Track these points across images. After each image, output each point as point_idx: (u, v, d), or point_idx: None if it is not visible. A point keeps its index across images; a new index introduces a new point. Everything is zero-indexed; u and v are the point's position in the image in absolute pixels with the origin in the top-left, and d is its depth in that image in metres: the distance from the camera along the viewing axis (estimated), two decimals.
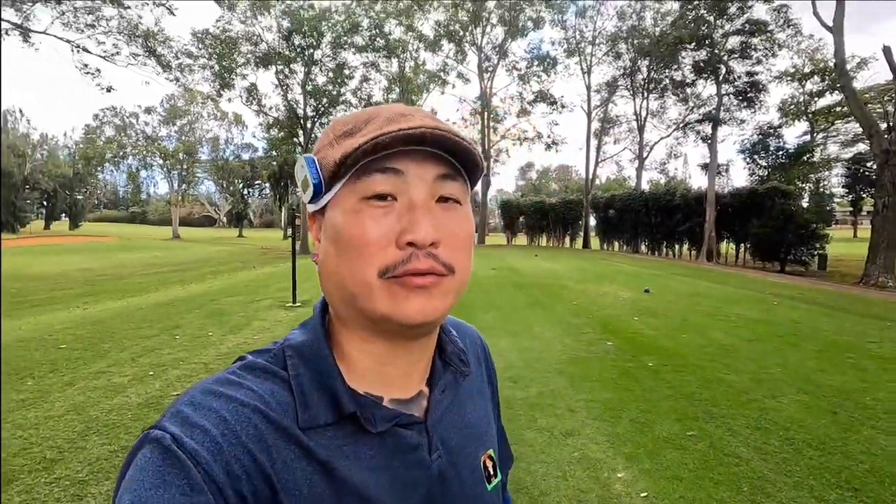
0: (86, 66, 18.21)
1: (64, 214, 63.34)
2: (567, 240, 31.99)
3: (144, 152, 45.51)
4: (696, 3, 22.16)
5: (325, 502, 0.41)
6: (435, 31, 32.33)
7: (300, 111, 28.90)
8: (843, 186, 35.91)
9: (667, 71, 25.51)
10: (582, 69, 31.22)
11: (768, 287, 10.85)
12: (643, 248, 26.43)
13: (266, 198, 64.77)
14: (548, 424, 3.28)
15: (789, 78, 27.33)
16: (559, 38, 31.70)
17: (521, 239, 35.10)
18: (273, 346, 0.49)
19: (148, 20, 17.79)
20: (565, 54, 31.82)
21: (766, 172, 28.56)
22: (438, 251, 0.44)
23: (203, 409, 0.40)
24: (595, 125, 31.44)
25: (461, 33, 32.52)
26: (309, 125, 28.77)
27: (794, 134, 28.92)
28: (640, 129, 29.02)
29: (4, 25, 16.50)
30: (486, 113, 34.12)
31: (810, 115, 29.10)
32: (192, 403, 0.40)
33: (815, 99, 28.47)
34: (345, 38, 29.26)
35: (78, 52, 18.03)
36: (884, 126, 14.89)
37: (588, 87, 30.94)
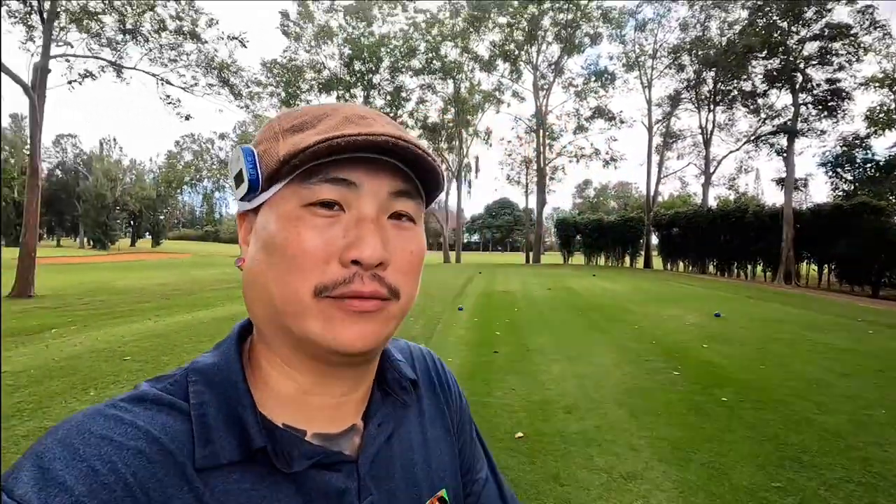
0: (168, 96, 19.85)
1: (147, 233, 69.01)
2: (627, 259, 30.66)
3: (218, 175, 48.85)
4: (766, 9, 20.92)
5: None
6: (490, 52, 32.64)
7: None
8: None
9: (735, 81, 24.11)
10: (642, 83, 30.32)
11: (860, 313, 9.71)
12: (711, 268, 24.77)
13: None
14: (606, 464, 2.97)
15: (877, 84, 25.00)
16: (618, 53, 30.94)
17: (579, 258, 34.09)
18: (176, 371, 0.43)
19: (222, 52, 19.04)
20: (624, 69, 31.08)
21: (853, 187, 26.08)
22: (385, 273, 0.39)
23: (70, 456, 0.32)
24: (657, 140, 30.25)
25: (516, 52, 32.61)
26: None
27: (884, 144, 26.25)
28: (707, 143, 27.52)
29: (101, 63, 18.33)
30: (541, 130, 33.78)
31: None
32: (62, 444, 0.33)
33: None
34: (402, 61, 30.21)
35: (162, 84, 19.72)
36: None
37: (649, 102, 29.93)
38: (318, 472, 0.40)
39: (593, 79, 32.19)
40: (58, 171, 61.97)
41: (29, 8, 15.60)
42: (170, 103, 20.39)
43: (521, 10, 30.24)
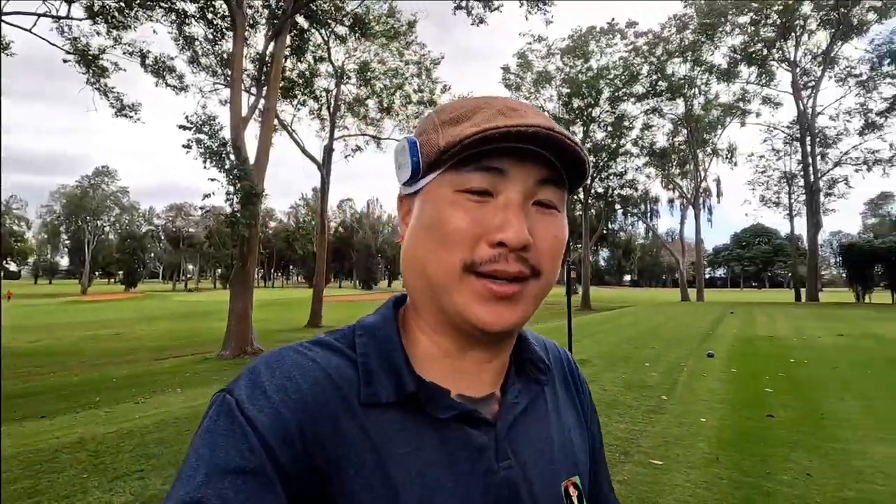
0: None
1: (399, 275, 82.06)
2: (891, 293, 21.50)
3: None
4: None
5: (375, 491, 0.40)
6: (730, 58, 28.48)
7: None
8: None
9: None
10: None
11: None
12: None
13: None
14: None
15: None
16: None
17: (881, 296, 25.55)
18: (346, 327, 0.49)
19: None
20: None
21: None
22: (528, 255, 0.42)
23: (274, 373, 0.41)
24: None
25: (765, 52, 27.63)
26: (587, 181, 29.13)
27: None
28: None
29: (366, 137, 22.64)
30: (808, 137, 27.38)
31: None
32: (266, 365, 0.42)
33: None
34: (623, 89, 28.85)
35: None
36: None
37: None
38: (461, 426, 0.44)
39: (888, 61, 24.66)
40: (340, 228, 79.09)
41: (321, 105, 20.48)
42: None
43: (770, 1, 25.68)
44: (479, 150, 0.41)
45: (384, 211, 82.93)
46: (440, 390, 0.44)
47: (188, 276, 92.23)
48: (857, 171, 27.84)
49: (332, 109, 20.23)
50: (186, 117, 10.36)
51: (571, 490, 0.49)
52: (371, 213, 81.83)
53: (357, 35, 18.25)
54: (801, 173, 28.77)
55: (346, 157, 22.68)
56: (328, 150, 20.13)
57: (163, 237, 79.75)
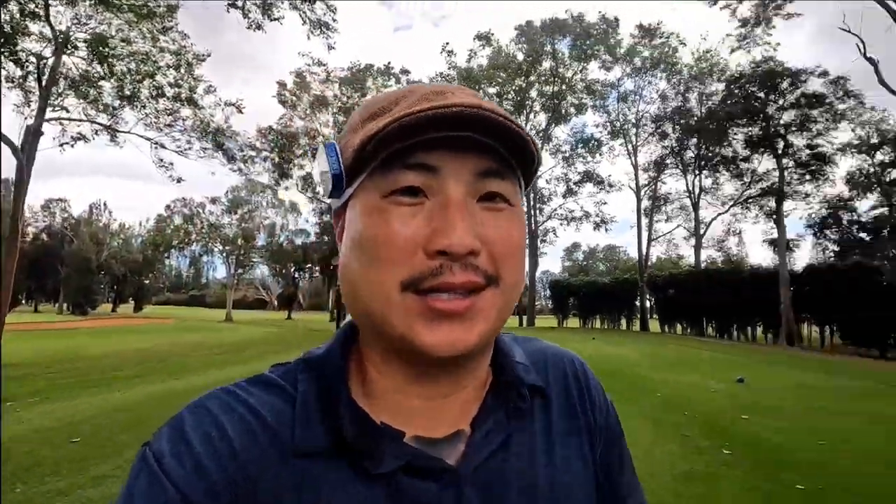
0: (161, 160, 19.74)
1: (131, 298, 67.25)
2: (623, 322, 30.05)
3: (207, 239, 48.40)
4: (741, 81, 22.02)
5: None
6: None
7: None
8: None
9: (718, 148, 24.90)
10: (627, 150, 31.23)
11: (887, 377, 9.11)
12: (710, 330, 24.21)
13: (315, 279, 66.65)
14: None
15: (854, 150, 25.99)
16: (603, 122, 32.18)
17: (574, 321, 33.34)
18: (293, 362, 0.44)
19: (218, 117, 19.25)
20: (609, 136, 32.14)
21: (840, 248, 26.38)
22: (478, 261, 0.36)
23: (200, 421, 0.37)
24: (645, 203, 30.73)
25: None
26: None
27: (866, 206, 27.01)
28: (695, 206, 27.98)
29: (96, 126, 18.35)
30: (532, 194, 34.30)
31: (884, 187, 27.15)
32: (192, 412, 0.38)
33: (889, 170, 26.70)
34: None
35: (156, 148, 19.68)
36: None
37: (635, 167, 30.70)
38: (411, 478, 0.37)
39: (580, 145, 33.21)
40: (43, 236, 61.09)
41: (27, 73, 15.71)
42: (162, 166, 20.25)
43: (509, 81, 31.66)
44: (405, 144, 0.35)
45: (114, 218, 67.83)
46: (392, 433, 0.38)
47: None
48: (560, 224, 36.13)
49: (44, 82, 15.65)
50: None
51: None
52: (95, 220, 65.70)
53: (93, 1, 14.80)
54: (527, 223, 35.73)
55: (61, 145, 17.79)
56: (33, 132, 15.34)
57: None
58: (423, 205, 0.36)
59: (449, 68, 32.70)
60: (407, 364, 0.39)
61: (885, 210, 26.80)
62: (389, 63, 30.94)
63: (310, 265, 55.22)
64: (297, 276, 58.52)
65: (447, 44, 33.36)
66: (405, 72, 31.01)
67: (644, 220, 30.34)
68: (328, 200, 0.42)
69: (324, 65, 29.78)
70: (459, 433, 0.40)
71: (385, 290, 0.36)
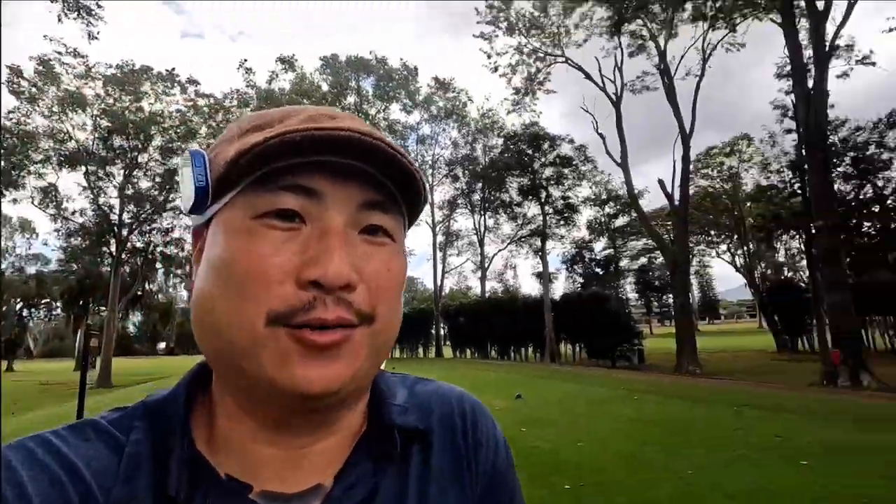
0: None
1: None
2: (420, 349, 31.56)
3: None
4: (515, 139, 26.29)
5: None
6: None
7: (115, 217, 24.90)
8: (635, 291, 43.24)
9: (497, 193, 28.92)
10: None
11: (619, 383, 11.50)
12: (493, 353, 27.26)
13: (56, 320, 52.54)
14: None
15: (591, 202, 33.27)
16: None
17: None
18: (133, 405, 0.39)
19: None
20: None
21: (584, 279, 33.17)
22: (353, 296, 0.33)
23: None
24: (440, 238, 33.41)
25: None
26: (125, 232, 24.86)
27: (599, 247, 35.26)
28: (481, 242, 31.64)
29: None
30: None
31: (610, 233, 35.37)
32: None
33: (613, 220, 34.86)
34: (178, 143, 27.20)
35: None
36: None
37: (431, 205, 33.25)
38: None
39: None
40: None
41: None
42: None
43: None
44: (287, 163, 0.32)
45: None
46: (235, 488, 0.34)
47: None
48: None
49: None
50: None
51: None
52: None
53: None
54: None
55: None
56: None
57: None
58: (298, 231, 0.33)
59: (247, 86, 30.58)
60: (267, 410, 0.35)
61: (611, 251, 34.78)
62: (174, 69, 27.21)
63: (47, 300, 43.41)
64: (25, 314, 45.20)
65: (245, 60, 31.15)
66: (193, 81, 27.77)
67: (439, 254, 32.93)
68: (188, 217, 0.37)
69: (82, 56, 24.57)
70: (318, 488, 0.36)
71: (251, 324, 0.32)
